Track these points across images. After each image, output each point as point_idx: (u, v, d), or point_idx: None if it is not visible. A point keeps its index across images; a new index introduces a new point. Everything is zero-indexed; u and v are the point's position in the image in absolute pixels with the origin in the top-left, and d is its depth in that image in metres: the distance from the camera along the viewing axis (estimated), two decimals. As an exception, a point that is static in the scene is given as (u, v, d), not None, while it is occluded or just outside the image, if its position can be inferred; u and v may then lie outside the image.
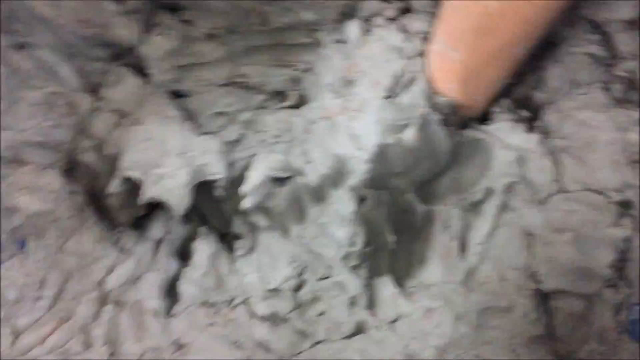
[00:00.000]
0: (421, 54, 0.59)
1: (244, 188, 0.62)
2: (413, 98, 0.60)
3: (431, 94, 0.60)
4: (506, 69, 0.56)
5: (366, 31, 0.65)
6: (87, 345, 0.63)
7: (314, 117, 0.67)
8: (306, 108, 0.69)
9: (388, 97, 0.62)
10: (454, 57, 0.55)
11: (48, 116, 0.68)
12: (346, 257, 0.61)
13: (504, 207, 0.61)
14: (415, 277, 0.63)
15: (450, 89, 0.58)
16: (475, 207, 0.62)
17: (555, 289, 0.57)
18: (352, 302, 0.63)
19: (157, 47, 0.65)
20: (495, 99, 0.62)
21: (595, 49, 0.58)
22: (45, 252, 0.69)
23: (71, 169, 0.72)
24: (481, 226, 0.62)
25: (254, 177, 0.63)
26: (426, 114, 0.58)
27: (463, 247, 0.62)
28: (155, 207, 0.71)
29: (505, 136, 0.60)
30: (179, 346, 0.63)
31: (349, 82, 0.66)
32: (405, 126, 0.61)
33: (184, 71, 0.68)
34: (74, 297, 0.66)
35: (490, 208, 0.61)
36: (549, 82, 0.61)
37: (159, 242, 0.70)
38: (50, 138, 0.68)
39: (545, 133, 0.60)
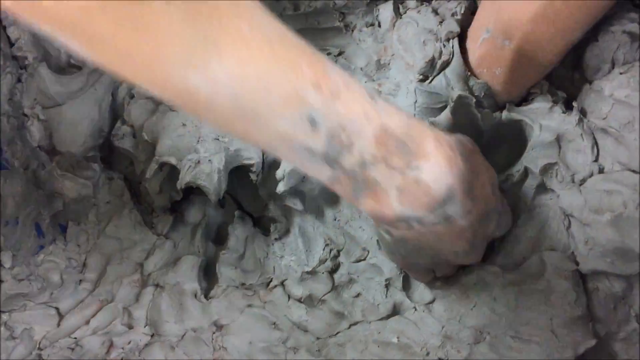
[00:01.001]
0: (456, 37, 0.59)
1: (278, 172, 0.62)
2: (448, 81, 0.60)
3: (466, 76, 0.59)
4: (559, 54, 0.56)
5: (399, 14, 0.65)
6: (130, 326, 0.65)
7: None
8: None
9: (422, 80, 0.62)
10: (505, 45, 0.54)
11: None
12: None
13: (541, 189, 0.60)
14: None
15: (497, 74, 0.57)
16: (512, 189, 0.62)
17: (594, 269, 0.57)
18: (388, 284, 0.63)
19: (191, 33, 0.66)
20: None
21: (635, 28, 0.57)
22: (85, 237, 0.71)
23: (109, 155, 0.73)
24: (520, 209, 0.62)
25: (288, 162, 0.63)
26: (461, 97, 0.58)
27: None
28: (192, 192, 0.72)
29: (543, 117, 0.60)
30: (219, 327, 0.64)
31: (382, 66, 0.66)
32: (439, 109, 0.61)
33: (218, 57, 0.69)
34: (115, 279, 0.68)
35: (527, 190, 0.61)
36: (587, 62, 0.61)
37: (195, 226, 0.72)
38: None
39: (583, 114, 0.59)
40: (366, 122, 0.38)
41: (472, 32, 0.58)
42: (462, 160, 0.42)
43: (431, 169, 0.41)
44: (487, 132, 0.60)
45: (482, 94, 0.59)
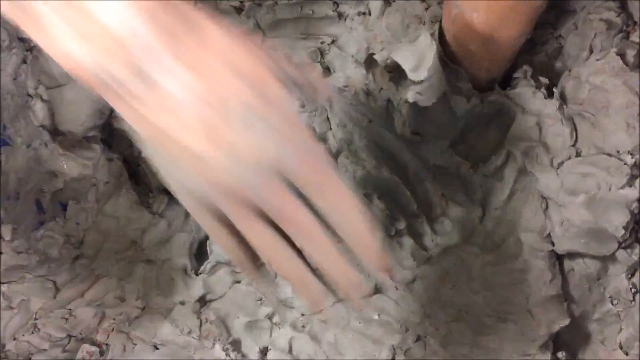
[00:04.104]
0: (439, 21, 0.61)
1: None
2: (430, 65, 0.61)
3: (445, 61, 0.61)
4: (525, 24, 0.56)
5: (388, 2, 0.67)
6: (122, 299, 0.67)
7: (337, 87, 0.69)
8: (330, 79, 0.71)
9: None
10: (473, 17, 0.55)
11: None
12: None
13: (522, 172, 0.62)
14: (433, 241, 0.65)
15: (472, 50, 0.59)
16: (496, 173, 0.64)
17: (569, 250, 0.58)
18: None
19: (188, 19, 0.69)
20: (516, 65, 0.63)
21: (612, 16, 0.59)
22: (84, 214, 0.73)
23: (110, 136, 0.76)
24: (501, 191, 0.63)
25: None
26: (436, 80, 0.59)
27: (483, 212, 0.64)
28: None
29: (526, 101, 0.62)
30: (207, 302, 0.66)
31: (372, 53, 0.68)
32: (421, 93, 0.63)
33: (214, 43, 0.71)
34: (110, 255, 0.71)
35: (510, 173, 0.63)
36: (567, 50, 0.63)
37: (189, 206, 0.74)
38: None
39: (564, 99, 0.61)
40: None
41: (445, 10, 0.59)
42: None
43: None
44: (465, 117, 0.62)
45: (458, 79, 0.61)
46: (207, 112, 0.35)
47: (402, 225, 0.66)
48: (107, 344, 0.65)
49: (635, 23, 0.59)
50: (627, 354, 0.56)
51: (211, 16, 0.36)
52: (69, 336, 0.66)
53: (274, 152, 0.36)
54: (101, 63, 0.34)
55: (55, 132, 0.72)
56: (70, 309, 0.67)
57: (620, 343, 0.57)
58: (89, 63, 0.34)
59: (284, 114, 0.37)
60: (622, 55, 0.57)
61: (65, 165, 0.72)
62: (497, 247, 0.61)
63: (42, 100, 0.70)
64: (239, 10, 0.70)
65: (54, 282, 0.69)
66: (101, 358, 0.64)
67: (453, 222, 0.66)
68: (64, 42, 0.34)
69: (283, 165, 0.36)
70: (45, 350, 0.65)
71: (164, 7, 0.35)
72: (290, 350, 0.63)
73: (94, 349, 0.64)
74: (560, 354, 0.57)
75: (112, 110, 0.74)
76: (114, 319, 0.66)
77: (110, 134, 0.75)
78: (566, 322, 0.57)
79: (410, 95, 0.58)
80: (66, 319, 0.66)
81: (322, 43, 0.72)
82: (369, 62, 0.66)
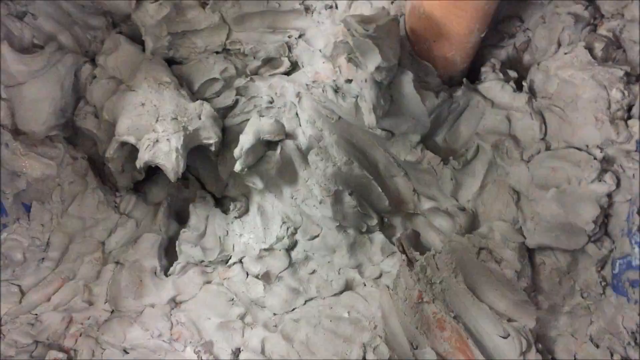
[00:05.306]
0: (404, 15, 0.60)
1: (236, 151, 0.63)
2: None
3: (413, 55, 0.60)
4: (473, 19, 0.56)
5: (355, -4, 0.66)
6: (90, 302, 0.66)
7: (305, 82, 0.68)
8: (298, 74, 0.70)
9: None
10: (421, 14, 0.55)
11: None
12: (332, 217, 0.63)
13: (492, 165, 0.62)
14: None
15: (426, 47, 0.58)
16: (466, 166, 0.63)
17: (540, 244, 0.58)
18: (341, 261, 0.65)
19: (150, 14, 0.67)
20: (484, 59, 0.63)
21: (579, 9, 0.58)
22: (49, 216, 0.71)
23: (74, 135, 0.74)
24: (471, 184, 0.63)
25: (245, 141, 0.64)
26: (399, 74, 0.58)
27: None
28: (155, 172, 0.73)
29: (495, 95, 0.61)
30: (178, 303, 0.65)
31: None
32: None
33: (178, 38, 0.69)
34: (77, 257, 0.69)
35: (480, 166, 0.62)
36: (535, 43, 0.62)
37: (158, 205, 0.72)
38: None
39: (533, 93, 0.60)
40: None
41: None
42: None
43: None
44: (434, 111, 0.61)
45: (426, 74, 0.60)
46: None
47: (373, 221, 0.65)
48: (75, 350, 0.64)
49: (602, 16, 0.59)
50: (597, 346, 0.57)
51: None
52: (36, 342, 0.64)
53: None
54: None
55: (16, 132, 0.69)
56: (36, 314, 0.66)
57: (590, 335, 0.57)
58: None
59: None
60: (590, 49, 0.56)
61: (27, 165, 0.70)
62: (473, 234, 0.61)
63: (1, 98, 0.68)
64: (203, 4, 0.68)
65: (19, 287, 0.67)
66: (69, 364, 0.63)
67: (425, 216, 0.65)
68: None
69: None
70: (11, 357, 0.63)
71: None
72: (262, 351, 0.62)
73: (61, 355, 0.63)
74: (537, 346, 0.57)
75: (74, 108, 0.72)
76: (82, 324, 0.65)
77: (74, 132, 0.73)
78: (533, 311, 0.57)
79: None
80: (32, 324, 0.65)
81: (289, 37, 0.71)
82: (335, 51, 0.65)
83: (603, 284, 0.57)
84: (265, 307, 0.65)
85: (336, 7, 0.67)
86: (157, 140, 0.64)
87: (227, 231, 0.69)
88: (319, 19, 0.69)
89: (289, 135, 0.66)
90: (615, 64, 0.56)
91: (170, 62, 0.71)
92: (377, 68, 0.53)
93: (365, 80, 0.55)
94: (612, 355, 0.55)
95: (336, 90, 0.60)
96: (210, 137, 0.66)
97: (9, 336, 0.64)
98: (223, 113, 0.70)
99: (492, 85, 0.61)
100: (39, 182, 0.71)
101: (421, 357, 0.55)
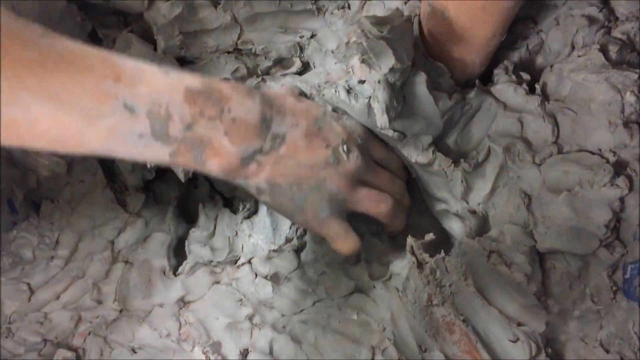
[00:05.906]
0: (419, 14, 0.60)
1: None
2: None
3: (426, 56, 0.60)
4: (498, 23, 0.55)
5: (368, -4, 0.66)
6: (99, 301, 0.66)
7: (317, 82, 0.68)
8: (310, 74, 0.70)
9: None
10: (445, 17, 0.55)
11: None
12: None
13: (503, 168, 0.61)
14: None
15: (445, 50, 0.58)
16: (477, 169, 0.63)
17: (550, 248, 0.58)
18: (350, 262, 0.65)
19: (163, 13, 0.67)
20: (497, 61, 0.63)
21: (594, 11, 0.58)
22: (58, 214, 0.72)
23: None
24: (482, 187, 0.63)
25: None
26: (412, 75, 0.58)
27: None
28: (165, 171, 0.73)
29: (507, 98, 0.61)
30: (186, 303, 0.65)
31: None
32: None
33: (190, 38, 0.70)
34: (86, 256, 0.69)
35: (491, 169, 0.62)
36: (548, 45, 0.62)
37: (167, 205, 0.73)
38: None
39: (545, 95, 0.60)
40: (172, 90, 0.43)
41: (422, 5, 0.58)
42: (259, 93, 0.49)
43: (237, 106, 0.47)
44: (447, 113, 0.61)
45: (439, 75, 0.60)
46: None
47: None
48: (83, 348, 0.64)
49: (617, 19, 0.58)
50: (607, 351, 0.56)
51: None
52: (45, 340, 0.64)
53: None
54: None
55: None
56: (45, 312, 0.66)
57: (600, 341, 0.57)
58: None
59: None
60: (604, 51, 0.56)
61: (37, 163, 0.70)
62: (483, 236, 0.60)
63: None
64: (215, 4, 0.68)
65: (28, 285, 0.68)
66: (78, 362, 0.63)
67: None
68: None
69: None
70: (20, 355, 0.63)
71: None
72: (270, 352, 0.62)
73: (70, 353, 0.63)
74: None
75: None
76: (91, 322, 0.65)
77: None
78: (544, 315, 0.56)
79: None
80: (41, 322, 0.65)
81: (301, 37, 0.71)
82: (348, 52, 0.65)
83: (614, 288, 0.57)
84: (273, 308, 0.65)
85: (349, 8, 0.67)
86: (167, 140, 0.64)
87: (236, 231, 0.69)
88: (331, 20, 0.69)
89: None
90: (629, 67, 0.56)
91: (182, 61, 0.71)
92: (391, 69, 0.53)
93: (379, 82, 0.55)
94: (622, 360, 0.55)
95: (349, 91, 0.60)
96: (221, 137, 0.66)
97: (18, 334, 0.64)
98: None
99: (505, 87, 0.61)
100: (49, 180, 0.72)
101: None
